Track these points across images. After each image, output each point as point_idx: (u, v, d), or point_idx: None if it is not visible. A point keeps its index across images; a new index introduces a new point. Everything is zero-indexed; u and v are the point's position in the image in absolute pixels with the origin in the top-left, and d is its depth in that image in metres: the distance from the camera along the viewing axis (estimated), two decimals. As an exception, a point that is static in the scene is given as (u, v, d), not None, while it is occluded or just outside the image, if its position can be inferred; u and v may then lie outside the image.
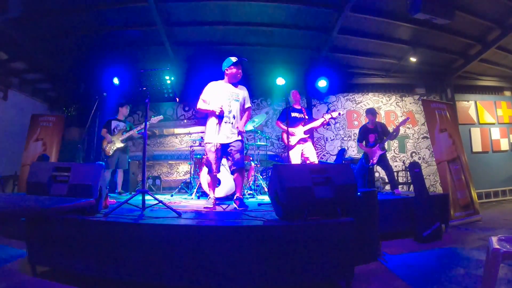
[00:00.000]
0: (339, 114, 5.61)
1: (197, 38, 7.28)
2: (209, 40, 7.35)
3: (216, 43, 7.40)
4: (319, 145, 8.75)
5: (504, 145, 9.11)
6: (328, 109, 8.83)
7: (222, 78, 4.29)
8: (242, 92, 4.25)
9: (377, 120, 6.19)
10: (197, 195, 5.79)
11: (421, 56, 7.65)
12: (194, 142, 6.95)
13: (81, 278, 2.72)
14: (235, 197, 4.07)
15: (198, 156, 6.40)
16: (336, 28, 6.59)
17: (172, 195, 6.15)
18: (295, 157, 5.31)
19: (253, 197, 5.76)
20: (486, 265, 2.08)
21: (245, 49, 7.42)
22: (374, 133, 5.82)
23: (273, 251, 2.50)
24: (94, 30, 6.82)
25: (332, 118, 5.50)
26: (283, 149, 8.46)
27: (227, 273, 2.48)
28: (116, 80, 7.30)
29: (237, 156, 4.04)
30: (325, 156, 8.71)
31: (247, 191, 5.84)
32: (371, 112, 6.03)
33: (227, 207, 4.04)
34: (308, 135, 5.43)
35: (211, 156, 4.02)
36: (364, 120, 6.35)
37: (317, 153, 8.34)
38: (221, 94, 4.13)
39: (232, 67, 4.16)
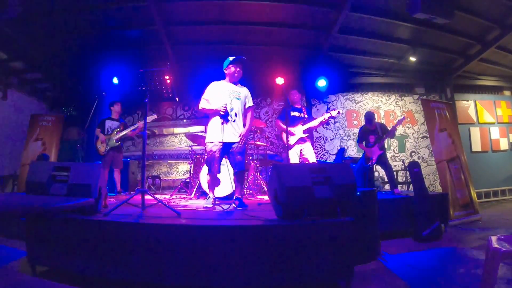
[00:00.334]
0: (339, 113, 5.61)
1: (197, 37, 7.27)
2: (208, 40, 7.35)
3: (215, 42, 7.39)
4: (319, 144, 8.75)
5: (503, 145, 9.12)
6: (328, 108, 8.82)
7: (223, 78, 4.29)
8: (243, 91, 4.25)
9: (376, 120, 6.18)
10: (197, 194, 5.80)
11: (420, 55, 7.65)
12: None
13: (80, 278, 2.71)
14: (234, 197, 4.07)
15: (198, 156, 6.41)
16: (336, 27, 6.59)
17: (171, 195, 6.15)
18: (293, 157, 5.31)
19: (252, 197, 5.77)
20: (485, 264, 2.08)
21: (245, 49, 7.41)
22: (374, 134, 5.82)
23: (272, 251, 2.50)
24: (94, 30, 6.81)
25: (331, 117, 5.49)
26: (282, 149, 8.46)
27: (227, 272, 2.48)
28: (115, 80, 7.29)
29: (239, 158, 4.04)
30: (324, 155, 8.71)
31: (246, 191, 5.84)
32: (368, 117, 5.96)
33: (227, 207, 4.04)
34: (307, 134, 5.41)
35: (212, 156, 4.02)
36: (363, 120, 6.35)
37: (316, 153, 8.39)
38: (222, 93, 4.13)
39: (230, 66, 4.18)
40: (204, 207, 3.91)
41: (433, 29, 6.64)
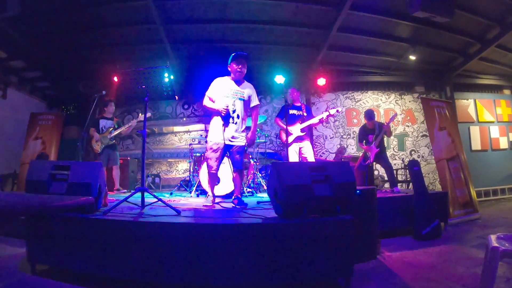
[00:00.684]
0: (337, 111, 5.60)
1: (196, 36, 7.26)
2: (208, 38, 7.34)
3: (215, 41, 7.39)
4: (318, 143, 8.75)
5: (503, 144, 9.13)
6: (328, 107, 8.82)
7: (225, 75, 4.21)
8: (247, 90, 4.10)
9: (376, 119, 6.18)
10: (196, 193, 5.80)
11: (420, 54, 7.64)
12: (193, 140, 6.95)
13: (80, 276, 2.72)
14: (233, 196, 4.07)
15: (198, 154, 6.41)
16: (336, 26, 6.58)
17: (171, 193, 6.15)
18: (292, 155, 5.30)
19: (252, 195, 5.77)
20: (485, 263, 2.09)
21: (244, 47, 7.40)
22: (373, 133, 5.82)
23: (272, 249, 2.50)
24: (93, 28, 6.80)
25: (330, 115, 5.48)
26: (282, 147, 8.46)
27: (226, 271, 2.48)
28: (114, 78, 7.28)
29: (237, 157, 4.01)
30: (324, 154, 8.71)
31: (246, 189, 5.84)
32: (368, 115, 5.97)
33: (226, 205, 4.04)
34: (305, 132, 5.38)
35: (212, 155, 3.98)
36: (363, 118, 6.36)
37: (316, 151, 8.39)
38: (225, 92, 4.01)
39: (232, 63, 4.05)
40: (204, 206, 3.91)
41: (433, 27, 6.64)
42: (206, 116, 8.63)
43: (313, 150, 5.62)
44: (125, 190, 6.26)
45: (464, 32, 7.00)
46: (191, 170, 6.42)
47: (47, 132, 7.41)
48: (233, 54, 4.07)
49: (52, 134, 7.43)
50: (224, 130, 3.93)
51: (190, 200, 4.91)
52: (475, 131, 9.02)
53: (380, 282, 2.79)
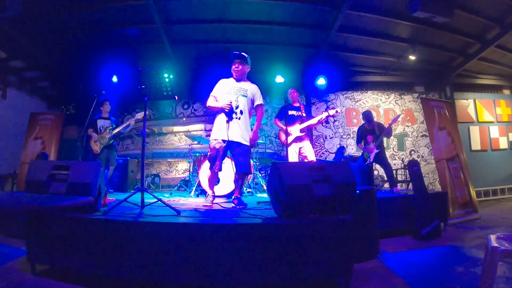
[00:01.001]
0: (337, 111, 5.60)
1: (196, 36, 7.27)
2: (208, 38, 7.34)
3: (215, 41, 7.39)
4: (318, 143, 8.75)
5: (503, 144, 9.13)
6: (327, 107, 8.82)
7: (225, 76, 4.24)
8: (250, 88, 4.11)
9: (375, 119, 6.18)
10: (196, 193, 5.80)
11: (420, 54, 7.65)
12: (193, 140, 6.95)
13: (80, 277, 2.72)
14: (233, 196, 4.07)
15: (197, 154, 6.41)
16: (335, 26, 6.58)
17: (171, 193, 6.15)
18: (292, 155, 5.30)
19: (252, 195, 5.77)
20: (484, 263, 2.09)
21: (244, 47, 7.39)
22: (372, 134, 5.82)
23: (272, 249, 2.50)
24: (93, 28, 6.81)
25: (329, 116, 5.48)
26: (281, 147, 8.46)
27: (226, 270, 2.48)
28: (114, 78, 7.29)
29: (241, 159, 3.99)
30: (324, 154, 8.71)
31: (246, 189, 5.84)
32: (366, 117, 5.97)
33: (226, 205, 4.04)
34: (304, 133, 5.38)
35: (214, 153, 3.97)
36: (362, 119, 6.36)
37: (316, 151, 8.39)
38: (227, 90, 4.06)
39: (232, 63, 4.13)
40: (203, 206, 3.91)
41: (432, 27, 6.64)
42: (208, 116, 8.68)
43: (313, 150, 5.61)
44: (111, 190, 6.27)
45: (464, 32, 7.00)
46: (191, 170, 6.42)
47: (47, 132, 7.40)
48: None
49: (51, 134, 7.43)
50: (228, 127, 3.92)
51: (190, 200, 4.91)
52: (474, 131, 9.02)
53: (380, 282, 2.79)
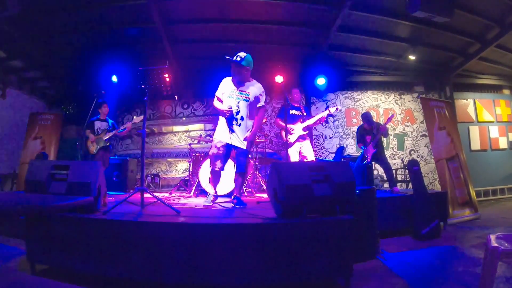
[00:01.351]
0: (337, 109, 5.61)
1: (196, 35, 7.25)
2: (207, 38, 7.33)
3: (214, 40, 7.38)
4: (318, 143, 8.75)
5: (502, 144, 9.13)
6: (327, 106, 8.81)
7: (224, 76, 4.21)
8: (253, 90, 4.04)
9: (374, 119, 6.19)
10: (196, 192, 5.80)
11: (420, 54, 7.64)
12: (192, 140, 6.95)
13: (80, 276, 2.72)
14: (233, 196, 4.07)
15: (197, 154, 6.41)
16: (335, 25, 6.57)
17: (171, 193, 6.15)
18: (293, 155, 5.31)
19: (251, 195, 5.77)
20: (484, 263, 2.08)
21: (244, 47, 7.37)
22: (370, 134, 5.82)
23: (271, 249, 2.51)
24: (93, 28, 6.79)
25: (330, 114, 5.51)
26: (281, 147, 8.46)
27: (226, 270, 2.48)
28: (114, 78, 7.28)
29: (241, 159, 4.01)
30: (323, 154, 8.71)
31: (246, 189, 5.84)
32: (365, 118, 5.96)
33: (226, 205, 4.04)
34: (307, 131, 5.42)
35: (215, 152, 3.99)
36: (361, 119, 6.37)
37: (315, 151, 8.39)
38: (229, 94, 4.02)
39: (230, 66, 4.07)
40: (203, 205, 3.91)
41: (432, 27, 6.63)
42: (208, 116, 8.69)
43: (313, 150, 5.62)
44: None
45: (463, 32, 6.99)
46: (191, 170, 6.42)
47: (47, 132, 7.41)
48: None
49: (51, 133, 7.43)
50: (230, 131, 3.92)
51: (189, 200, 4.91)
52: (474, 131, 9.01)
53: (380, 282, 2.80)
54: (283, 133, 5.34)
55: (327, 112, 5.45)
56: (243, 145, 3.97)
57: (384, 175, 6.44)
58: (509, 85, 9.52)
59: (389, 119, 5.77)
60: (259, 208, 3.68)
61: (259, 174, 6.60)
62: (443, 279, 2.81)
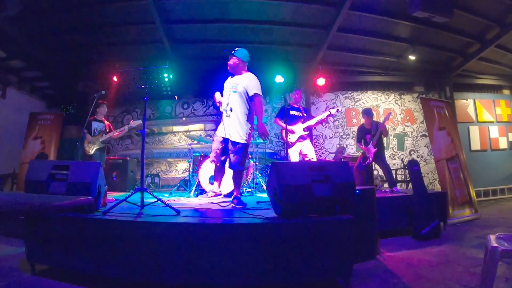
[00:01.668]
0: (337, 110, 5.62)
1: (196, 35, 7.27)
2: (208, 38, 7.34)
3: (214, 40, 7.38)
4: (318, 143, 8.75)
5: (502, 144, 9.13)
6: (327, 107, 8.82)
7: (223, 77, 4.29)
8: (242, 81, 3.99)
9: (374, 119, 6.21)
10: (196, 193, 5.80)
11: (420, 54, 7.65)
12: (192, 140, 6.95)
13: (80, 276, 2.71)
14: (232, 196, 4.07)
15: (197, 154, 6.41)
16: (335, 26, 6.57)
17: (170, 193, 6.15)
18: (294, 155, 5.31)
19: (252, 195, 5.77)
20: (484, 263, 2.09)
21: (244, 47, 7.36)
22: (370, 133, 5.83)
23: (271, 249, 2.50)
24: (93, 28, 6.80)
25: (330, 115, 5.50)
26: (281, 147, 8.47)
27: (226, 270, 2.48)
28: (114, 78, 7.28)
29: (232, 157, 4.00)
30: (323, 154, 8.71)
31: (246, 189, 5.84)
32: (367, 113, 6.01)
33: (225, 205, 4.03)
34: (308, 132, 5.42)
35: (214, 146, 4.15)
36: (362, 118, 6.38)
37: (315, 151, 8.38)
38: (225, 89, 4.16)
39: None
40: (199, 200, 3.96)
41: (432, 27, 6.64)
42: (204, 116, 8.71)
43: (313, 148, 5.63)
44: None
45: (463, 32, 7.00)
46: (191, 170, 6.42)
47: (47, 132, 7.40)
48: None
49: (51, 133, 7.42)
50: (223, 124, 4.04)
51: (189, 200, 4.90)
52: (474, 131, 9.02)
53: (380, 282, 2.79)
54: (284, 133, 5.34)
55: (327, 113, 5.46)
56: (234, 137, 3.97)
57: (384, 175, 6.45)
58: (509, 85, 9.52)
59: (387, 118, 5.77)
60: (259, 208, 3.68)
61: (259, 174, 6.60)
62: (443, 279, 2.81)
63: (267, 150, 8.03)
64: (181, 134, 8.91)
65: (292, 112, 5.46)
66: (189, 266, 2.50)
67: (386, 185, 6.72)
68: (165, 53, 7.46)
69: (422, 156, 8.73)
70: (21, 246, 3.12)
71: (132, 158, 7.73)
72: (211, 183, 5.55)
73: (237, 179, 4.12)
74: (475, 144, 8.96)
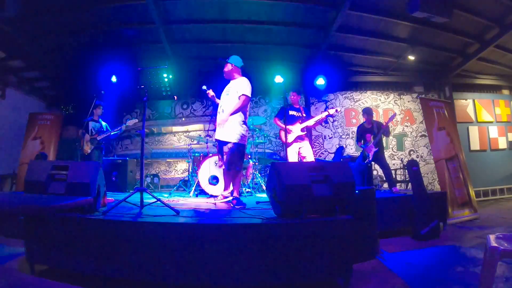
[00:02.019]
0: (336, 111, 5.61)
1: (195, 36, 7.26)
2: (207, 38, 7.33)
3: (214, 41, 7.38)
4: (317, 143, 8.75)
5: (502, 144, 9.13)
6: (327, 107, 8.82)
7: (223, 77, 4.36)
8: (234, 85, 4.20)
9: (374, 119, 6.21)
10: (195, 193, 5.79)
11: (419, 54, 7.65)
12: (192, 140, 6.95)
13: (79, 277, 2.71)
14: (232, 196, 4.07)
15: (196, 154, 6.41)
16: (335, 26, 6.58)
17: (170, 193, 6.14)
18: (292, 155, 5.31)
19: (251, 195, 5.77)
20: (484, 263, 2.08)
21: (244, 47, 7.41)
22: (371, 132, 5.83)
23: (271, 249, 2.50)
24: (92, 28, 6.79)
25: (329, 115, 5.50)
26: (281, 147, 8.46)
27: (225, 270, 2.48)
28: (114, 78, 7.27)
29: (225, 157, 4.15)
30: (323, 154, 8.71)
31: (245, 189, 5.84)
32: (367, 112, 6.05)
33: (225, 205, 4.04)
34: (305, 132, 5.40)
35: (216, 150, 4.42)
36: (362, 118, 6.38)
37: (315, 151, 8.40)
38: (221, 94, 4.31)
39: None
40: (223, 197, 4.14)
41: (432, 27, 6.64)
42: (204, 116, 8.72)
43: (312, 150, 5.62)
44: None
45: (463, 32, 7.00)
46: (190, 170, 6.42)
47: (46, 132, 7.39)
48: None
49: (51, 134, 7.41)
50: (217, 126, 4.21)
51: (189, 200, 4.91)
52: (474, 131, 9.02)
53: (379, 282, 2.80)
54: (282, 134, 5.33)
55: (326, 113, 5.46)
56: (224, 138, 4.07)
57: (383, 175, 6.46)
58: (508, 85, 9.52)
59: (391, 118, 5.77)
60: (258, 208, 3.68)
61: (259, 174, 6.60)
62: (443, 279, 2.81)
63: (267, 150, 8.03)
64: (180, 134, 8.90)
65: (291, 112, 5.45)
66: (188, 266, 2.50)
67: (385, 185, 6.73)
68: (164, 54, 7.45)
69: (421, 156, 8.73)
70: (21, 246, 3.11)
71: (132, 158, 7.73)
72: (211, 184, 5.56)
73: (235, 179, 4.14)
74: (475, 144, 8.96)
